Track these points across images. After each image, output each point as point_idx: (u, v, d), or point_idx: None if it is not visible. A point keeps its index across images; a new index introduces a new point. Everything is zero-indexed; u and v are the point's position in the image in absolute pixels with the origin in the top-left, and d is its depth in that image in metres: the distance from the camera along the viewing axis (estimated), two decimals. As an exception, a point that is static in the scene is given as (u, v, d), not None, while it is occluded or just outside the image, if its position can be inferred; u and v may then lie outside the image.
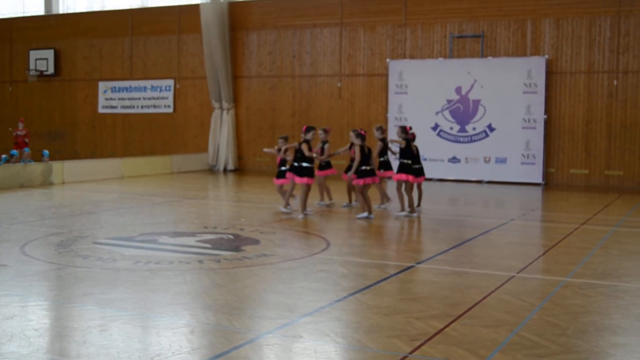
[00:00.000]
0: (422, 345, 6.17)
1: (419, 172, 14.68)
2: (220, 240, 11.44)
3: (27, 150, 22.01)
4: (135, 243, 11.06)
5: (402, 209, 14.46)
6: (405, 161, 14.38)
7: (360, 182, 13.89)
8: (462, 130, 22.66)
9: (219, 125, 26.44)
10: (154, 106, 28.47)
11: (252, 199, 17.29)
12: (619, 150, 21.47)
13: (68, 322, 6.86)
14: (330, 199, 15.84)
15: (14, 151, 21.64)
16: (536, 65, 21.75)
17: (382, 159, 15.48)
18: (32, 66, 30.47)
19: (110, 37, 29.31)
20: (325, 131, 15.54)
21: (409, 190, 14.30)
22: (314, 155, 14.42)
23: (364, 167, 13.89)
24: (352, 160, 14.19)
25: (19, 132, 24.80)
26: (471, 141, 22.45)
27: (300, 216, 13.96)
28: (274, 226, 12.99)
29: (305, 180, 14.01)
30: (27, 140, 24.62)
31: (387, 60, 23.76)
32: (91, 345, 6.06)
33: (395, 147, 15.93)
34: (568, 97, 21.97)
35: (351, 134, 14.27)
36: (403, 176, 14.30)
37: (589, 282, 8.71)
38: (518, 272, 9.23)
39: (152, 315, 7.03)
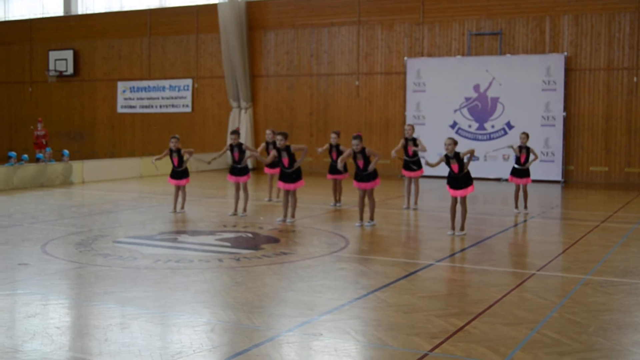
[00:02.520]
0: (442, 343, 6.16)
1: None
2: (239, 239, 11.47)
3: (48, 149, 22.20)
4: (155, 242, 11.12)
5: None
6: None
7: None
8: (481, 127, 22.58)
9: (237, 124, 26.51)
10: (173, 106, 28.60)
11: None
12: (639, 147, 21.30)
13: (89, 320, 6.91)
14: (415, 203, 15.38)
15: (40, 155, 21.86)
16: (555, 63, 21.62)
17: (411, 158, 15.22)
18: (51, 67, 30.72)
19: (128, 37, 29.47)
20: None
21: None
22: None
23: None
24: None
25: (38, 133, 25.02)
26: (490, 139, 22.36)
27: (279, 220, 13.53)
28: (291, 224, 13.00)
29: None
30: (45, 140, 24.83)
31: (405, 58, 23.71)
32: (112, 343, 6.10)
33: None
34: (587, 94, 21.82)
35: (356, 140, 13.47)
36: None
37: (610, 279, 8.65)
38: (538, 270, 9.18)
39: (173, 314, 7.07)
